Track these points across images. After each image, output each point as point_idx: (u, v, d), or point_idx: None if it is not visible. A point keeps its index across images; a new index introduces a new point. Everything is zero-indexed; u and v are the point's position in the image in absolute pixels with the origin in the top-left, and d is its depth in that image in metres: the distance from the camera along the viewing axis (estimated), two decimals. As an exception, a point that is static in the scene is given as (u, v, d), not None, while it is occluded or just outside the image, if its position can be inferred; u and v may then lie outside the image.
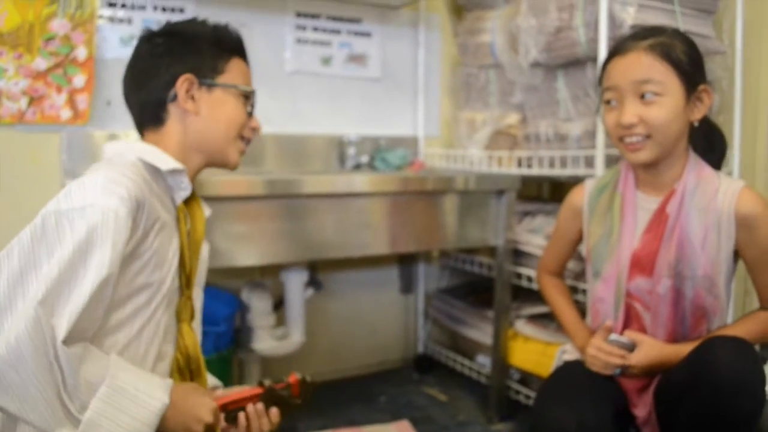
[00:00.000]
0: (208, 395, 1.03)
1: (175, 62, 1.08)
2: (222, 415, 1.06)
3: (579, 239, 1.56)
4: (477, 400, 2.26)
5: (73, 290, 0.86)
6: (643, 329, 1.37)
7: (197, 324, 1.18)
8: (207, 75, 1.09)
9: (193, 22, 1.13)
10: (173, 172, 1.05)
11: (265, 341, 1.99)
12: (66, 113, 1.96)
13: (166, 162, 1.04)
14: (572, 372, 1.38)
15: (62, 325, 0.85)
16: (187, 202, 1.12)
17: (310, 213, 1.73)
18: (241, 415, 1.09)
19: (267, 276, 2.17)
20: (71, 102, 1.96)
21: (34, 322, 0.82)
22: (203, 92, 1.09)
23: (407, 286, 2.61)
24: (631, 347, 1.31)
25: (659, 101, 1.28)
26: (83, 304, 0.86)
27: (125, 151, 1.05)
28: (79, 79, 1.96)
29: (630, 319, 1.39)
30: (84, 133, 1.98)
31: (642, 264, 1.36)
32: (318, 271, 2.21)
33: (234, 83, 1.12)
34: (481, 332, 2.26)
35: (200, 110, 1.09)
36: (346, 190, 1.77)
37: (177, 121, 1.09)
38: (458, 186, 1.94)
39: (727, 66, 1.93)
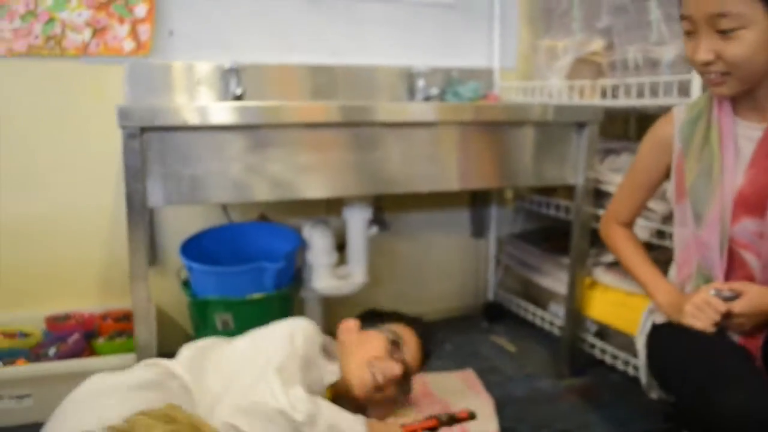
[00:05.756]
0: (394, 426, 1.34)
1: None
2: None
3: (663, 178, 1.37)
4: (548, 352, 2.14)
5: None
6: (750, 280, 1.20)
7: None
8: None
9: None
10: None
11: (326, 280, 1.93)
12: (129, 44, 1.93)
13: None
14: (699, 342, 1.19)
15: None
16: None
17: (379, 143, 1.61)
18: None
19: (331, 214, 2.11)
20: (134, 33, 1.93)
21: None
22: None
23: (479, 229, 2.48)
24: (734, 300, 1.15)
25: (739, 35, 1.11)
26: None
27: None
28: (140, 9, 1.92)
29: (733, 269, 1.22)
30: (146, 65, 1.95)
31: (749, 203, 1.18)
32: (385, 211, 2.11)
33: None
34: (556, 280, 2.13)
35: None
36: (418, 119, 1.64)
37: None
38: (534, 117, 1.77)
39: None
